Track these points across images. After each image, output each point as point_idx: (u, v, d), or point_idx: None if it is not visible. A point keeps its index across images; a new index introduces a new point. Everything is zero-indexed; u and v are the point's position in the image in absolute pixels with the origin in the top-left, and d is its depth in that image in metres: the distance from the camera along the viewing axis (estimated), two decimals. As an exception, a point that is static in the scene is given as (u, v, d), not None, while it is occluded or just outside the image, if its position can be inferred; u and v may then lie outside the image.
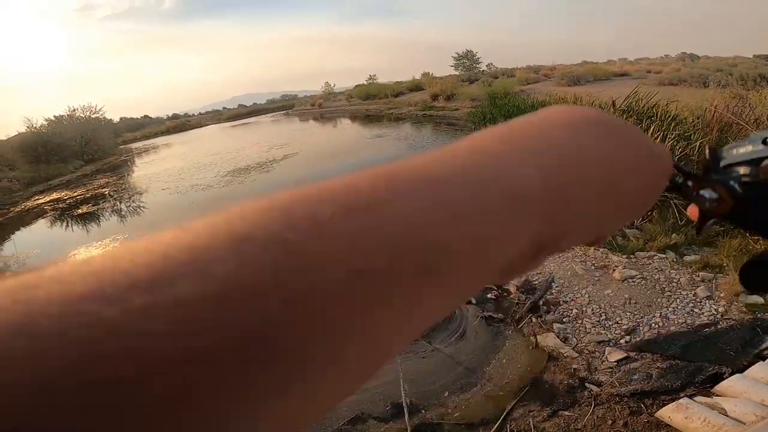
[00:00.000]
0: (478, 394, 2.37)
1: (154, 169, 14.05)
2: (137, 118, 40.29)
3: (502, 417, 2.12)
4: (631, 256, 3.30)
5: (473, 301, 3.20)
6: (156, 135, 29.96)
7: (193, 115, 43.90)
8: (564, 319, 2.77)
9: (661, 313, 2.62)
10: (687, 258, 3.15)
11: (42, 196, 11.67)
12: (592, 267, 3.24)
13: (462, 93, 17.56)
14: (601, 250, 3.42)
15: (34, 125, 18.21)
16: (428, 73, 29.47)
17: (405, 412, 2.24)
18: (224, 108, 49.45)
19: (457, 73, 33.75)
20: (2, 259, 6.32)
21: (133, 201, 9.50)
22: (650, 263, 3.17)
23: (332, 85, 40.39)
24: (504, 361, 2.59)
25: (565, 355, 2.45)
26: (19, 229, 8.52)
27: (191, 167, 12.70)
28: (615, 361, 2.32)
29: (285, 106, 38.89)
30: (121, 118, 35.36)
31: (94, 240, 6.71)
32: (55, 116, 20.41)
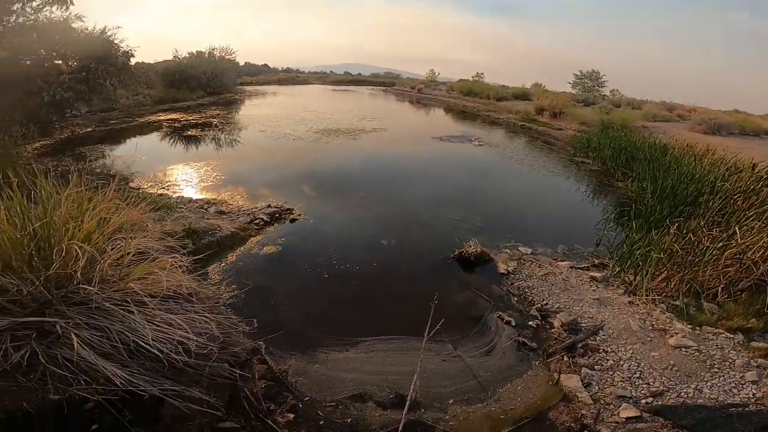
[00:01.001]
0: (480, 411, 2.36)
1: (259, 111, 15.38)
2: (257, 65, 43.95)
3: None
4: (697, 328, 3.09)
5: (513, 323, 3.24)
6: (268, 83, 32.56)
7: (303, 72, 46.70)
8: (595, 366, 2.71)
9: (697, 385, 2.49)
10: (755, 344, 2.89)
11: (164, 114, 13.41)
12: (650, 327, 3.13)
13: (572, 113, 16.19)
14: (667, 314, 3.27)
15: (178, 56, 21.00)
16: (540, 84, 27.56)
17: (406, 405, 2.25)
18: (331, 71, 51.67)
19: (573, 91, 31.15)
20: (120, 159, 7.40)
21: (232, 135, 10.49)
22: (713, 339, 2.96)
23: (437, 74, 39.92)
24: (519, 388, 2.57)
25: (579, 399, 2.41)
26: (137, 136, 9.93)
27: (289, 118, 13.62)
28: (625, 418, 2.26)
29: (385, 83, 39.41)
30: (245, 63, 38.82)
31: (190, 160, 7.57)
32: (196, 51, 23.21)
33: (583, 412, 2.32)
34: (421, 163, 8.65)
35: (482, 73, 35.40)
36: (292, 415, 2.23)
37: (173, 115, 13.13)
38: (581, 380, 2.56)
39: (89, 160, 6.91)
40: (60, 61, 8.47)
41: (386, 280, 3.76)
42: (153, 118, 12.48)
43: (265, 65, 45.63)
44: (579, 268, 4.16)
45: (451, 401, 2.40)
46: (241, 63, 33.71)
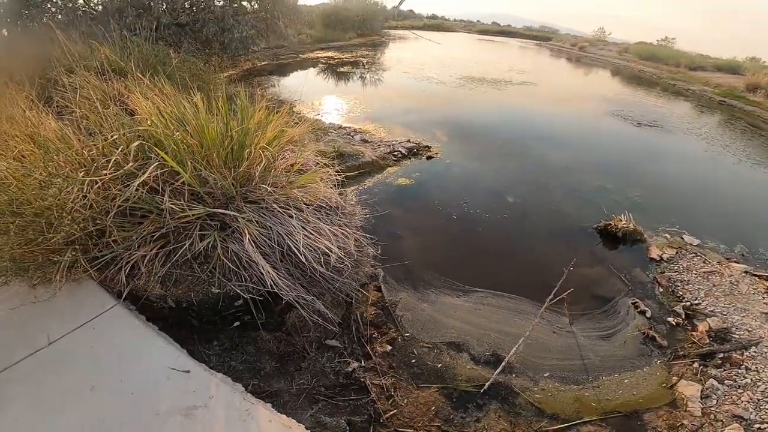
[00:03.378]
0: (572, 393, 2.22)
1: (403, 54, 15.54)
2: (404, 11, 43.49)
3: (570, 424, 2.02)
4: None
5: (648, 314, 2.88)
6: (413, 28, 32.16)
7: (449, 19, 44.42)
8: (726, 381, 2.41)
9: None
10: None
11: (321, 52, 14.60)
12: None
13: (806, 93, 11.84)
14: None
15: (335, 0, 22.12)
16: (758, 58, 20.64)
17: (501, 366, 2.20)
18: (478, 21, 47.89)
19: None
20: (287, 88, 8.44)
21: (377, 74, 10.92)
22: None
23: (607, 33, 33.27)
24: (626, 381, 2.34)
25: (688, 408, 2.20)
26: (299, 70, 11.17)
27: (432, 61, 13.45)
28: None
29: (539, 37, 34.74)
30: (392, 7, 38.89)
31: (341, 93, 8.20)
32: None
33: (684, 422, 2.08)
34: (571, 124, 7.66)
35: (674, 38, 28.07)
36: (389, 347, 2.31)
37: (329, 53, 14.22)
38: (702, 391, 2.27)
39: (266, 87, 8.12)
40: (245, 2, 9.82)
41: (514, 236, 3.61)
42: (312, 55, 13.76)
43: (411, 11, 44.83)
44: (756, 275, 3.33)
45: (546, 374, 2.29)
46: (388, 7, 33.80)
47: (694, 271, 3.33)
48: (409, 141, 5.22)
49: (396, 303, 2.64)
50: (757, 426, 2.09)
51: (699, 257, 3.51)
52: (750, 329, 2.76)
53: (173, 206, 1.96)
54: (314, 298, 2.10)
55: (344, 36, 18.38)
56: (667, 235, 3.81)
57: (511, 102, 8.87)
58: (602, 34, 32.86)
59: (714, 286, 3.18)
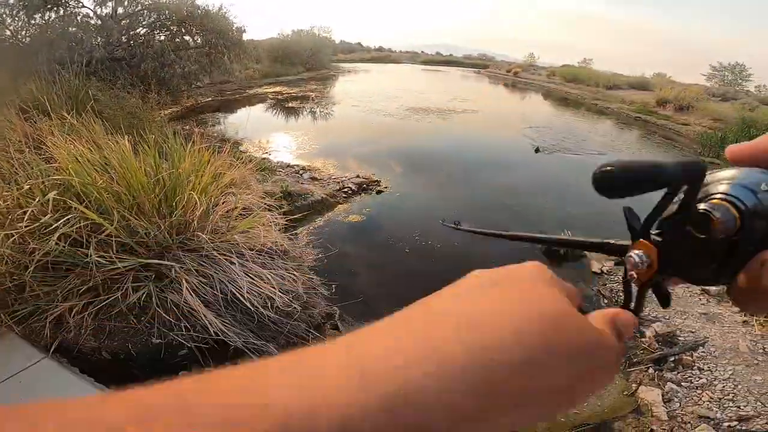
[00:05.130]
0: None
1: (351, 87, 15.96)
2: (351, 43, 45.21)
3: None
4: None
5: None
6: (361, 61, 33.40)
7: (394, 51, 46.72)
8: (683, 383, 2.52)
9: None
10: None
11: (269, 87, 14.61)
12: (761, 350, 2.78)
13: (704, 108, 13.64)
14: None
15: (283, 33, 22.58)
16: (663, 74, 23.84)
17: None
18: (422, 51, 50.76)
19: (707, 84, 26.28)
20: (233, 126, 8.29)
21: (327, 108, 11.06)
22: None
23: (537, 57, 36.74)
24: None
25: (654, 413, 2.26)
26: (246, 106, 11.04)
27: (380, 94, 13.86)
28: None
29: (478, 65, 37.53)
30: (340, 41, 40.27)
31: (290, 129, 8.17)
32: (298, 29, 24.73)
33: (653, 427, 2.15)
34: (512, 150, 8.14)
35: (591, 59, 31.69)
36: (353, 387, 2.29)
37: (277, 88, 14.25)
38: (662, 395, 2.37)
39: (209, 125, 7.88)
40: (188, 37, 9.68)
41: (467, 263, 3.65)
42: (260, 90, 13.71)
43: (358, 44, 46.72)
44: None
45: None
46: (337, 41, 34.99)
47: (633, 281, 3.57)
48: (358, 176, 5.24)
49: None
50: (726, 424, 2.16)
51: (614, 256, 3.78)
52: (693, 330, 2.95)
53: (100, 259, 1.89)
54: (265, 342, 2.05)
55: (292, 70, 18.53)
56: (604, 249, 4.07)
57: (455, 131, 9.29)
58: (532, 59, 36.26)
59: (652, 293, 3.41)
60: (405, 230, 4.09)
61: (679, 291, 3.40)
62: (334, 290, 2.90)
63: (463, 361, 0.18)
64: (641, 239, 0.27)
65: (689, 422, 2.19)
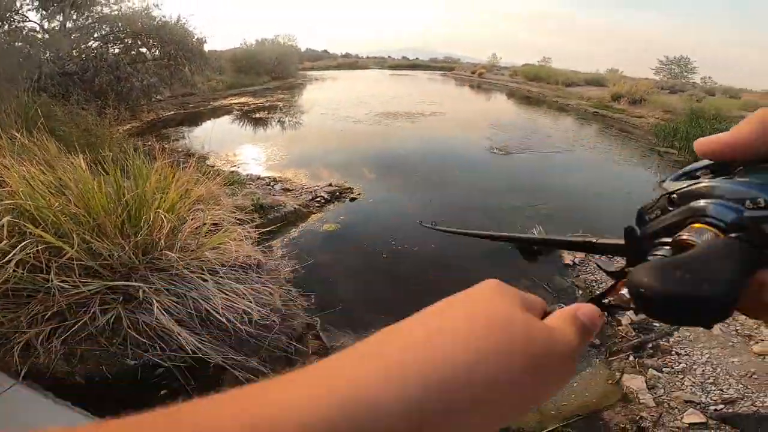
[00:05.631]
0: None
1: (319, 95, 15.88)
2: (318, 51, 45.07)
3: (536, 436, 2.05)
4: None
5: None
6: (328, 68, 33.31)
7: (362, 57, 46.95)
8: (664, 369, 2.58)
9: None
10: None
11: (235, 98, 14.29)
12: (734, 332, 2.92)
13: (655, 101, 14.51)
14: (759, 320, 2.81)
15: (247, 43, 22.11)
16: (616, 69, 25.24)
17: None
18: (389, 56, 51.32)
19: (657, 78, 27.98)
20: (198, 139, 8.03)
21: (295, 117, 10.94)
22: None
23: (499, 58, 37.96)
24: (575, 384, 2.45)
25: (641, 401, 2.31)
26: (211, 119, 10.72)
27: (349, 101, 13.87)
28: (688, 424, 2.15)
29: (444, 67, 38.39)
30: (306, 49, 40.03)
31: (259, 141, 8.02)
32: (262, 38, 24.33)
33: (643, 414, 2.20)
34: (482, 150, 8.32)
35: (549, 58, 33.11)
36: (338, 395, 2.27)
37: (243, 99, 13.96)
38: (646, 382, 2.43)
39: (172, 140, 7.60)
40: (144, 49, 9.32)
41: (443, 264, 3.71)
42: (225, 102, 13.37)
43: (325, 51, 46.66)
44: None
45: None
46: (303, 49, 34.77)
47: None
48: (330, 185, 5.20)
49: (338, 348, 2.54)
50: (712, 408, 2.22)
51: (604, 257, 3.92)
52: None
53: (62, 284, 1.85)
54: (246, 357, 2.03)
55: (258, 80, 18.22)
56: (574, 240, 4.22)
57: (424, 134, 9.40)
58: (495, 59, 37.41)
59: None
60: (381, 235, 4.08)
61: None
62: (313, 300, 2.89)
63: (411, 372, 0.18)
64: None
65: (676, 407, 2.24)
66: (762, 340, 2.73)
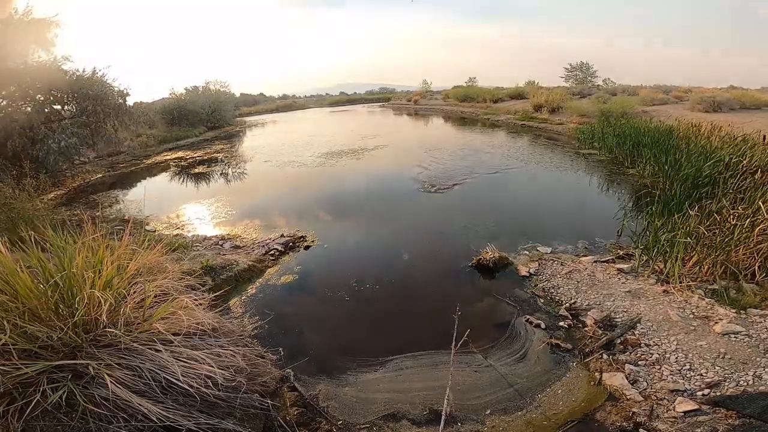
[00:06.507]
0: (521, 419, 2.29)
1: (260, 142, 15.64)
2: (254, 95, 44.98)
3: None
4: (742, 312, 2.96)
5: (542, 325, 3.17)
6: (267, 112, 33.29)
7: (300, 97, 47.57)
8: (639, 362, 2.60)
9: (755, 372, 2.35)
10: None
11: (170, 153, 13.70)
12: (691, 316, 3.03)
13: (570, 107, 16.14)
14: (707, 299, 3.16)
15: (175, 92, 21.35)
16: (533, 81, 27.77)
17: (442, 420, 2.19)
18: (327, 94, 52.52)
19: (567, 85, 31.18)
20: (133, 203, 7.54)
21: (238, 168, 10.65)
22: (762, 322, 2.82)
23: (429, 83, 40.39)
24: (559, 391, 2.49)
25: (628, 397, 2.32)
26: (146, 179, 10.11)
27: (291, 145, 13.81)
28: (683, 412, 2.15)
29: (381, 98, 40.02)
30: (241, 94, 39.80)
31: (201, 197, 7.67)
32: (192, 86, 23.64)
33: (635, 410, 2.23)
34: (426, 175, 8.63)
35: (475, 78, 35.79)
36: (327, 441, 2.19)
37: (179, 154, 13.40)
38: (626, 377, 2.47)
39: (103, 207, 7.02)
40: (58, 106, 8.60)
41: (406, 297, 3.71)
42: (159, 158, 12.75)
43: (261, 94, 46.69)
44: (603, 261, 4.06)
45: (488, 412, 2.34)
46: (237, 94, 34.52)
47: (558, 275, 3.85)
48: (283, 236, 5.06)
49: (317, 396, 2.52)
50: (699, 393, 2.24)
51: (556, 262, 4.12)
52: (625, 310, 3.17)
53: (2, 367, 1.80)
54: (220, 419, 1.99)
55: (193, 131, 17.62)
56: (525, 252, 4.42)
57: (371, 169, 9.54)
58: (426, 85, 39.71)
59: (578, 282, 3.69)
60: (340, 279, 4.01)
61: (599, 275, 3.73)
62: (282, 353, 2.86)
63: None
64: None
65: (664, 398, 2.27)
66: (720, 320, 2.85)
